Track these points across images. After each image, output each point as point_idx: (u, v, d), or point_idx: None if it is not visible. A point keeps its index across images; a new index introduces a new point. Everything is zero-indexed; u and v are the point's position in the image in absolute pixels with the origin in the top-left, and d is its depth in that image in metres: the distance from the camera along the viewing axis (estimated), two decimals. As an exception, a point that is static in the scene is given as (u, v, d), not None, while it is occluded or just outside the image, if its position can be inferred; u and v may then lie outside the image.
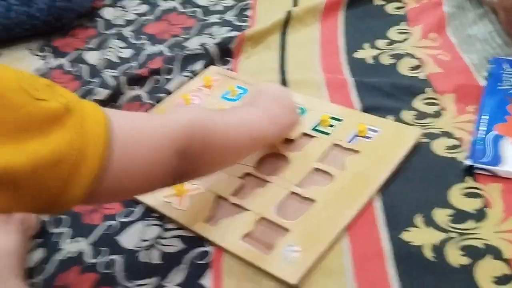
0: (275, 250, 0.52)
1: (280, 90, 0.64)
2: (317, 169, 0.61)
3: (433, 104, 0.67)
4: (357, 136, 0.63)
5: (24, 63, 0.89)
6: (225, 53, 0.84)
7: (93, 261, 0.56)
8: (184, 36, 0.91)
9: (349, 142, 0.63)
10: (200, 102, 0.74)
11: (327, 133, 0.65)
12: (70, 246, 0.58)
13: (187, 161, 0.47)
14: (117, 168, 0.41)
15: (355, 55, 0.79)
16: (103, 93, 0.77)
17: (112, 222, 0.60)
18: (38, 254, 0.58)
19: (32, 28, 0.92)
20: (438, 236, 0.51)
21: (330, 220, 0.54)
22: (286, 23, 0.88)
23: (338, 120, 0.66)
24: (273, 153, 0.64)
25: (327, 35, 0.85)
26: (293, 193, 0.58)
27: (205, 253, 0.54)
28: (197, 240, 0.55)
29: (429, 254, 0.50)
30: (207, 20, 0.95)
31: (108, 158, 0.40)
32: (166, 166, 0.45)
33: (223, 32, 0.90)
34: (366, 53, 0.78)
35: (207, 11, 0.98)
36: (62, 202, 0.39)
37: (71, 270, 0.56)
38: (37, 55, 0.92)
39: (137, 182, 0.44)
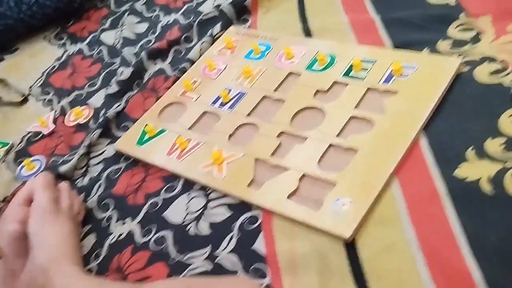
0: (324, 206, 0.51)
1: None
2: (355, 117, 0.58)
3: (469, 29, 0.62)
4: (393, 76, 0.60)
5: (44, 55, 0.89)
6: (242, 11, 0.81)
7: (144, 239, 0.56)
8: (196, 1, 0.88)
9: (385, 83, 0.60)
10: (224, 65, 0.72)
11: (360, 78, 0.62)
12: (119, 229, 0.58)
13: None
14: None
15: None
16: (126, 72, 0.76)
17: (156, 199, 0.59)
18: (90, 240, 0.59)
19: (45, 17, 0.91)
20: (494, 168, 0.48)
21: (376, 167, 0.52)
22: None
23: (371, 62, 0.63)
24: (306, 108, 0.62)
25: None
26: (333, 145, 0.56)
27: (254, 218, 0.53)
28: (243, 206, 0.54)
29: (487, 187, 0.47)
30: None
31: None
32: None
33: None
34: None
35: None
36: None
37: (124, 251, 0.56)
38: (56, 44, 0.91)
39: None
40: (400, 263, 0.45)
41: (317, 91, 0.63)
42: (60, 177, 0.65)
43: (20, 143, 0.74)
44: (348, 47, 0.67)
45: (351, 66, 0.63)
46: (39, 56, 0.88)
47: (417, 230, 0.46)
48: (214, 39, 0.78)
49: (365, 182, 0.51)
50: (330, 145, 0.56)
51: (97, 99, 0.76)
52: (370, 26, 0.69)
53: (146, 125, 0.67)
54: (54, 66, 0.85)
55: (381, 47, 0.65)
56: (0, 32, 0.89)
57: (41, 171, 0.68)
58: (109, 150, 0.68)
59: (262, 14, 0.80)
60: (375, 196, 0.50)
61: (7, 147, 0.74)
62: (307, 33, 0.73)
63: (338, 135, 0.57)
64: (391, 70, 0.60)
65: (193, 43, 0.79)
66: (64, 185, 0.63)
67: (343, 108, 0.60)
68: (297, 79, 0.66)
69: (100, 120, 0.71)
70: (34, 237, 0.55)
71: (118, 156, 0.66)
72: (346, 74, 0.63)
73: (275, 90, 0.66)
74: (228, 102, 0.67)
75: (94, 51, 0.86)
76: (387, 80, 0.60)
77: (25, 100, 0.80)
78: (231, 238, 0.52)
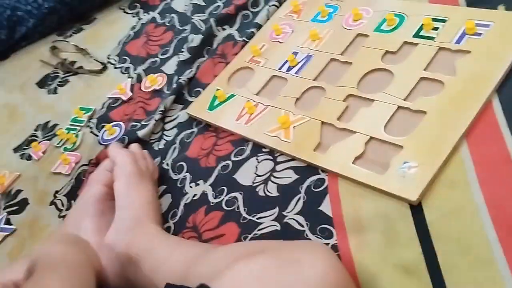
0: (391, 169, 0.51)
1: None
2: (425, 78, 0.57)
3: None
4: (466, 34, 0.58)
5: (120, 24, 0.93)
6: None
7: (216, 200, 0.59)
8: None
9: (457, 43, 0.58)
10: (291, 29, 0.73)
11: (431, 38, 0.60)
12: (193, 190, 0.62)
13: None
14: None
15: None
16: (197, 39, 0.79)
17: (227, 162, 0.62)
18: (167, 200, 0.63)
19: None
20: None
21: (445, 130, 0.51)
22: None
23: (442, 21, 0.61)
24: (374, 70, 0.61)
25: None
26: (401, 107, 0.56)
27: (321, 180, 0.54)
28: (310, 169, 0.56)
29: None
30: None
31: None
32: None
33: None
34: None
35: None
36: None
37: (198, 211, 0.59)
38: (130, 13, 0.95)
39: None
40: (467, 226, 0.45)
41: (386, 53, 0.62)
42: (138, 141, 0.69)
43: (101, 109, 0.80)
44: (418, 6, 0.65)
45: (421, 25, 0.62)
46: (115, 25, 0.93)
47: (486, 194, 0.46)
48: (280, 3, 0.78)
49: (433, 145, 0.51)
50: (398, 108, 0.56)
51: (170, 66, 0.79)
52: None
53: (216, 90, 0.69)
54: (129, 35, 0.89)
55: (453, 4, 0.63)
56: (79, 3, 0.94)
57: (121, 135, 0.72)
58: (182, 115, 0.71)
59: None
60: (443, 160, 0.49)
61: (90, 113, 0.80)
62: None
63: (406, 98, 0.56)
64: (464, 29, 0.58)
65: (260, 7, 0.80)
66: (135, 146, 0.67)
67: (412, 69, 0.59)
68: (365, 41, 0.65)
69: (173, 86, 0.74)
70: (118, 196, 0.59)
71: (191, 120, 0.70)
72: (416, 34, 0.62)
73: (342, 52, 0.65)
74: (295, 66, 0.67)
75: (165, 19, 0.89)
76: (459, 40, 0.58)
77: (104, 68, 0.85)
78: (298, 200, 0.54)
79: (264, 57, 0.71)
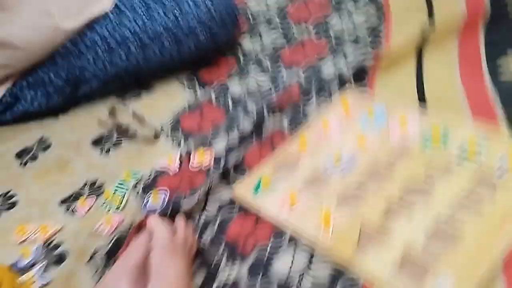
0: (427, 280, 0.52)
1: None
2: (464, 204, 0.59)
3: None
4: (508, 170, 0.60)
5: (177, 96, 0.99)
6: (361, 73, 0.85)
7: (250, 287, 0.61)
8: (318, 61, 0.94)
9: (499, 175, 0.60)
10: (339, 127, 0.76)
11: (475, 163, 0.63)
12: (227, 272, 0.63)
13: None
14: None
15: (501, 78, 0.75)
16: (248, 123, 0.83)
17: (264, 250, 0.64)
18: (200, 277, 0.64)
19: (182, 64, 1.01)
20: None
21: (484, 254, 0.53)
22: (422, 37, 0.86)
23: (485, 145, 0.64)
24: (416, 186, 0.63)
25: (467, 53, 0.82)
26: (439, 226, 0.58)
27: (356, 284, 0.56)
28: (346, 270, 0.57)
29: None
30: (341, 42, 0.97)
31: None
32: None
33: (357, 53, 0.91)
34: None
35: (340, 32, 0.99)
36: None
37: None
38: (187, 87, 1.01)
39: None
40: None
41: (429, 170, 0.65)
42: (179, 213, 0.72)
43: (149, 175, 0.83)
44: (463, 124, 0.68)
45: (465, 149, 0.64)
46: (173, 97, 0.98)
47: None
48: (331, 99, 0.82)
49: (471, 264, 0.52)
50: (439, 220, 0.58)
51: (219, 145, 0.83)
52: (485, 99, 0.70)
53: (263, 175, 0.72)
54: (184, 108, 0.95)
55: (495, 125, 0.66)
56: (142, 72, 1.01)
57: (165, 205, 0.75)
58: (225, 194, 0.74)
59: (380, 77, 0.84)
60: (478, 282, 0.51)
61: (137, 177, 0.83)
62: (422, 99, 0.76)
63: (446, 214, 0.58)
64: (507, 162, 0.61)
65: (310, 99, 0.84)
66: (180, 219, 0.70)
67: (452, 190, 0.61)
68: (410, 154, 0.68)
69: (221, 166, 0.78)
70: (155, 268, 0.61)
71: (233, 200, 0.73)
72: (460, 156, 0.64)
73: (387, 161, 0.68)
74: (339, 165, 0.70)
75: (220, 98, 0.94)
76: (501, 170, 0.61)
77: (157, 137, 0.90)
78: (331, 299, 0.56)
79: (310, 150, 0.75)
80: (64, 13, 0.93)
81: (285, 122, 0.82)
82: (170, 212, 0.73)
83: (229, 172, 0.77)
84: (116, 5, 0.96)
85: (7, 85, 0.99)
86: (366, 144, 0.72)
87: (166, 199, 0.77)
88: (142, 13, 0.95)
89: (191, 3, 0.96)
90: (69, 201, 0.83)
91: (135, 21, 0.95)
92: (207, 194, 0.75)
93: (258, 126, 0.83)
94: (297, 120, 0.81)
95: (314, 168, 0.72)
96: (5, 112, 1.00)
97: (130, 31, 0.94)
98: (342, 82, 0.84)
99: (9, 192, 0.87)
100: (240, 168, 0.77)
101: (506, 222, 0.55)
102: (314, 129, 0.78)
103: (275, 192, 0.70)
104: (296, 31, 1.06)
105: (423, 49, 0.86)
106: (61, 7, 0.93)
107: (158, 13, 0.95)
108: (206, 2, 0.96)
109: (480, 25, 0.85)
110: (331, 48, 0.96)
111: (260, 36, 1.08)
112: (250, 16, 1.15)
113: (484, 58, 0.77)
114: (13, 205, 0.85)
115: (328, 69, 0.90)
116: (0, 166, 0.95)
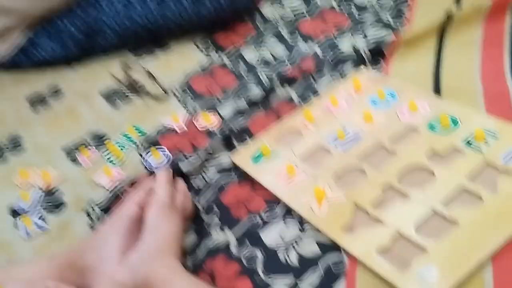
0: (411, 269, 0.52)
1: None
2: (465, 189, 0.58)
3: None
4: (514, 156, 0.59)
5: (190, 57, 0.98)
6: (377, 54, 0.83)
7: (238, 252, 0.61)
8: (336, 35, 0.92)
9: (505, 162, 0.59)
10: (347, 104, 0.75)
11: (480, 150, 0.62)
12: (218, 235, 0.64)
13: None
14: None
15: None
16: (257, 91, 0.82)
17: (256, 218, 0.64)
18: (191, 238, 0.65)
19: (199, 25, 1.00)
20: None
21: (473, 246, 0.52)
22: (445, 24, 0.84)
23: (494, 136, 0.62)
24: (418, 166, 0.63)
25: (491, 39, 0.79)
26: (436, 211, 0.57)
27: (341, 261, 0.56)
28: (333, 247, 0.58)
29: None
30: (362, 18, 0.94)
31: None
32: None
33: (377, 33, 0.89)
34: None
35: (362, 9, 0.97)
36: None
37: (217, 257, 0.61)
38: (202, 49, 1.00)
39: None
40: None
41: (433, 153, 0.64)
42: (179, 173, 0.73)
43: (153, 132, 0.84)
44: (474, 114, 0.67)
45: (473, 135, 0.63)
46: (186, 58, 0.98)
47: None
48: (343, 76, 0.81)
49: (458, 257, 0.52)
50: (433, 210, 0.57)
51: (226, 110, 0.83)
52: (503, 97, 0.68)
53: (263, 144, 0.72)
54: (196, 70, 0.94)
55: (508, 121, 0.64)
56: (159, 29, 1.00)
57: (166, 164, 0.76)
58: (225, 159, 0.74)
59: (397, 62, 0.82)
60: (464, 274, 0.50)
61: (143, 135, 0.84)
62: (437, 89, 0.74)
63: (442, 203, 0.57)
64: (514, 150, 0.59)
65: (323, 76, 0.83)
66: (180, 183, 0.70)
67: (454, 176, 0.60)
68: (416, 135, 0.67)
69: (225, 130, 0.78)
70: (149, 223, 0.62)
71: (232, 166, 0.73)
72: (467, 142, 0.63)
73: (391, 141, 0.67)
74: (342, 141, 0.70)
75: (233, 64, 0.93)
76: (507, 159, 0.59)
77: (166, 96, 0.90)
78: (315, 274, 0.56)
79: (315, 124, 0.74)
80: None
81: (295, 95, 0.81)
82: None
83: (232, 138, 0.77)
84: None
85: (26, 31, 0.99)
86: (373, 122, 0.71)
87: (167, 159, 0.77)
88: (163, -30, 0.94)
89: (213, -36, 0.95)
90: (73, 150, 0.84)
91: (155, -23, 0.94)
92: (208, 157, 0.75)
93: (267, 96, 0.82)
94: (307, 94, 0.80)
95: (317, 142, 0.71)
96: (21, 57, 1.01)
97: (150, -14, 0.94)
98: (357, 62, 0.83)
99: (17, 134, 0.89)
100: (244, 135, 0.77)
101: (505, 209, 0.54)
102: (322, 104, 0.77)
103: (274, 162, 0.70)
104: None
105: (444, 36, 0.83)
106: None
107: (179, -29, 0.94)
108: (228, -36, 0.95)
109: (507, 12, 0.82)
110: (351, 24, 0.94)
111: (281, 3, 1.06)
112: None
113: (508, 45, 0.75)
114: (19, 148, 0.87)
115: (345, 46, 0.88)
116: (11, 108, 0.97)
